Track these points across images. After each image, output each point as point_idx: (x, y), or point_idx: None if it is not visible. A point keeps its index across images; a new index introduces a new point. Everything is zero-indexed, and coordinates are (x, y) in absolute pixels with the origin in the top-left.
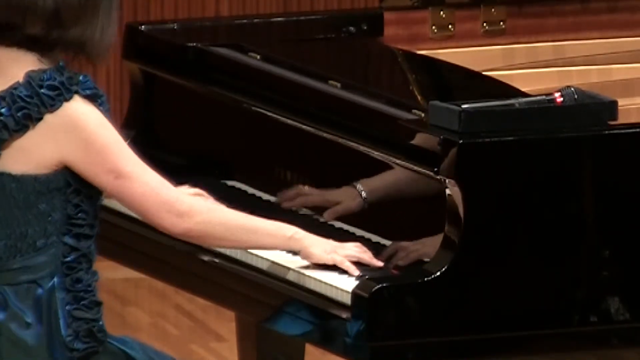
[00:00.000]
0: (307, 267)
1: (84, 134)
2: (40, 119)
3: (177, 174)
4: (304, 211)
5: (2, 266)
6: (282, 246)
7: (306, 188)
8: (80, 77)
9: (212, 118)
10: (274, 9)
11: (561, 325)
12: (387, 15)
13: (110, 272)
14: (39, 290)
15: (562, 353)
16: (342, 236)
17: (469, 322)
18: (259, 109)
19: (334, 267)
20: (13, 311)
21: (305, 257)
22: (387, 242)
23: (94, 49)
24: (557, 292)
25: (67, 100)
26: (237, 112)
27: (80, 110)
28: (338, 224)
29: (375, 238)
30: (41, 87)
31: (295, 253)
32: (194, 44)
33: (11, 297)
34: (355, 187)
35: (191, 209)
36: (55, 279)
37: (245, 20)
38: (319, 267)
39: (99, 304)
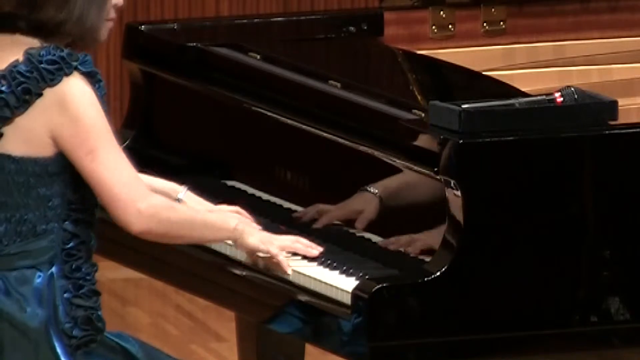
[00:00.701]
0: (307, 267)
1: (75, 111)
2: (40, 94)
3: (177, 174)
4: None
5: (2, 250)
6: (228, 237)
7: (322, 206)
8: (81, 55)
9: (212, 118)
10: (274, 9)
11: (561, 326)
12: (387, 15)
13: (110, 272)
14: (39, 276)
15: (562, 353)
16: (342, 235)
17: (469, 322)
18: (259, 109)
19: (334, 267)
20: (13, 296)
21: (241, 245)
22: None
23: (75, 31)
24: (558, 292)
25: (67, 74)
26: (237, 112)
27: (77, 87)
28: (352, 230)
29: (375, 238)
30: (40, 62)
31: (294, 254)
32: (194, 44)
33: (12, 282)
34: (367, 191)
35: (152, 209)
36: (55, 266)
37: (245, 20)
38: (319, 267)
39: (97, 293)
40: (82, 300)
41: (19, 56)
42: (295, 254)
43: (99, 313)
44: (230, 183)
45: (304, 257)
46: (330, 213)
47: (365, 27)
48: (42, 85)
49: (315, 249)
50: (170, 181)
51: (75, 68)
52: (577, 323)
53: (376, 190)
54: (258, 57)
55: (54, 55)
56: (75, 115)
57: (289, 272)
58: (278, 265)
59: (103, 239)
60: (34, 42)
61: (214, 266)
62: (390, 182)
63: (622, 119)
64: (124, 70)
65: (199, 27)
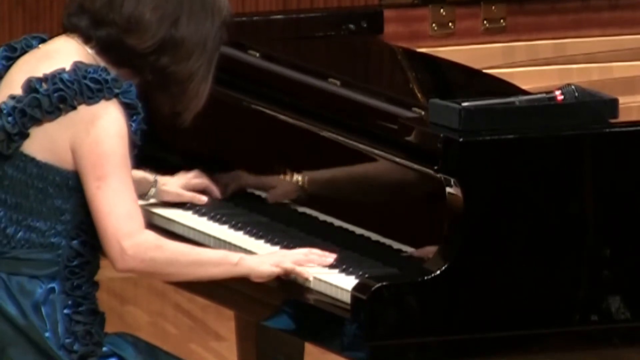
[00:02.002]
0: (307, 266)
1: (99, 134)
2: (73, 107)
3: (175, 172)
4: (303, 209)
5: (9, 252)
6: (230, 273)
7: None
8: (125, 84)
9: (211, 116)
10: (273, 7)
11: (562, 325)
12: (387, 13)
13: (109, 271)
14: (40, 288)
15: (562, 352)
16: (342, 234)
17: (469, 322)
18: (258, 107)
19: (333, 266)
20: (16, 301)
21: (256, 278)
22: (386, 241)
23: (186, 99)
24: (558, 291)
25: (106, 99)
26: (237, 110)
27: (111, 114)
28: (337, 223)
29: (374, 236)
30: (85, 77)
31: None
32: None
33: (14, 288)
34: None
35: (136, 248)
36: (56, 282)
37: (244, 18)
38: (318, 266)
39: (96, 312)
40: (82, 317)
41: (68, 65)
42: None
43: (98, 327)
44: None
45: None
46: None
47: (365, 25)
48: (79, 99)
49: (330, 257)
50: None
51: (116, 95)
52: (577, 322)
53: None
54: (257, 55)
55: (100, 75)
56: (97, 140)
57: (311, 278)
58: (298, 276)
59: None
60: (90, 58)
61: (200, 280)
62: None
63: (623, 117)
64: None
65: None
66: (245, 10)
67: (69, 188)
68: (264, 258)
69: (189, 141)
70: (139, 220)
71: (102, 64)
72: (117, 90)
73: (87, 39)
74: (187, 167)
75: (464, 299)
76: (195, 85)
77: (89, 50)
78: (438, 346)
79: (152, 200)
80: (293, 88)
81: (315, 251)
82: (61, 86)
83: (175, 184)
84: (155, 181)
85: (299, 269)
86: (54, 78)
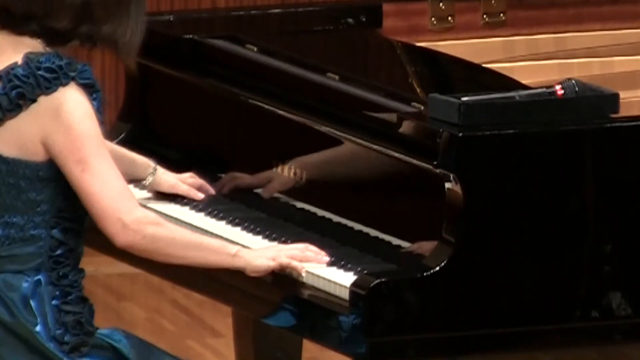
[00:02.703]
0: (304, 262)
1: (67, 119)
2: (33, 100)
3: (173, 168)
4: (301, 205)
5: None
6: (227, 263)
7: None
8: (79, 65)
9: (209, 111)
10: (271, 0)
11: (562, 321)
12: (386, 7)
13: (106, 267)
14: (25, 282)
15: (563, 349)
16: (340, 230)
17: (469, 318)
18: (256, 102)
19: (331, 262)
20: (3, 300)
21: (252, 271)
22: (385, 237)
23: (125, 47)
24: (558, 287)
25: (63, 85)
26: (234, 105)
27: (72, 97)
28: (336, 219)
29: (373, 232)
30: (39, 68)
31: None
32: (190, 36)
33: (0, 286)
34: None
35: (138, 223)
36: (42, 273)
37: (242, 12)
38: (313, 262)
39: (85, 300)
40: (71, 307)
41: (19, 58)
42: None
43: (88, 317)
44: None
45: None
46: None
47: (364, 19)
48: (37, 91)
49: (326, 256)
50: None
51: (73, 78)
52: (578, 318)
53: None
54: (255, 49)
55: (53, 63)
56: (68, 125)
57: (304, 273)
58: (292, 271)
59: (99, 233)
60: (36, 45)
61: (197, 266)
62: (398, 186)
63: (624, 111)
64: (120, 63)
65: (195, 18)
66: (243, 3)
67: (41, 179)
68: (261, 252)
69: (186, 136)
70: (133, 196)
71: (48, 48)
72: (72, 74)
73: (19, 33)
74: (184, 162)
75: (464, 295)
76: (131, 26)
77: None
78: (437, 343)
79: (146, 190)
80: (291, 83)
81: (312, 248)
82: (17, 82)
83: (172, 176)
84: (155, 169)
85: (294, 263)
86: (8, 75)
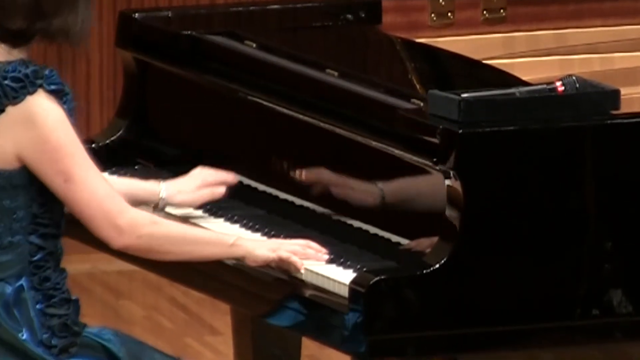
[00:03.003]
0: (303, 260)
1: (41, 130)
2: (2, 110)
3: (171, 164)
4: (300, 202)
5: None
6: (225, 254)
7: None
8: (46, 72)
9: (207, 107)
10: None
11: (563, 319)
12: (386, 3)
13: (103, 265)
14: (7, 289)
15: (563, 347)
16: (340, 227)
17: (469, 315)
18: (254, 98)
19: (331, 260)
20: None
21: (252, 261)
22: (385, 234)
23: (77, 36)
24: (559, 285)
25: (30, 93)
26: (233, 101)
27: (42, 106)
28: (335, 216)
29: (373, 229)
30: (5, 78)
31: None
32: (189, 32)
33: None
34: (374, 184)
35: (132, 225)
36: (24, 279)
37: (241, 8)
38: (313, 259)
39: (69, 301)
40: (55, 309)
41: None
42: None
43: (73, 318)
44: None
45: None
46: (330, 178)
47: (363, 15)
48: (5, 101)
49: (326, 255)
50: (164, 171)
51: (40, 86)
52: (578, 316)
53: (380, 185)
54: (254, 45)
55: (19, 72)
56: (42, 136)
57: (302, 270)
58: (291, 266)
59: None
60: (1, 51)
61: (196, 260)
62: (396, 180)
63: (625, 108)
64: (117, 59)
65: (193, 14)
66: (242, 0)
67: (14, 186)
68: (261, 243)
69: (184, 132)
70: (120, 197)
71: (14, 51)
72: (40, 81)
73: None
74: (182, 159)
75: (464, 293)
76: (80, 14)
77: None
78: (437, 340)
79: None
80: (290, 79)
81: (314, 245)
82: None
83: (189, 187)
84: (162, 199)
85: (293, 258)
86: None
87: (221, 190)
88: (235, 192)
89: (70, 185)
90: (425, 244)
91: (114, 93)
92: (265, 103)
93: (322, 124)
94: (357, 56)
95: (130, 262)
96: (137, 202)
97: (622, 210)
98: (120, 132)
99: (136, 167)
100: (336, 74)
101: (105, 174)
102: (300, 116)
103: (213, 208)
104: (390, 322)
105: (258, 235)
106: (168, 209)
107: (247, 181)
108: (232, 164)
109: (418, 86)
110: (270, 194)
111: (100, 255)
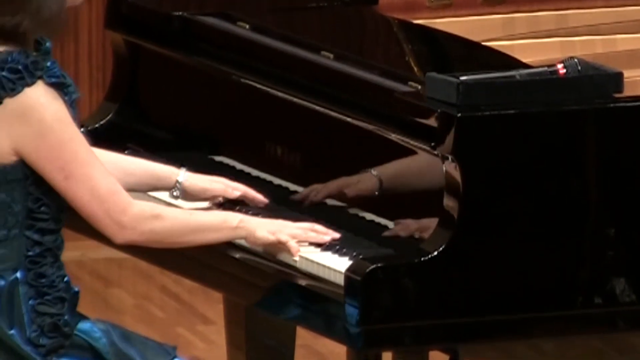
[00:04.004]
0: (299, 247)
1: (40, 125)
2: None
3: (162, 149)
4: (294, 188)
5: None
6: (229, 237)
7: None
8: (48, 63)
9: (199, 90)
10: None
11: (564, 308)
12: None
13: (92, 252)
14: (1, 283)
15: (565, 336)
16: (335, 213)
17: (468, 304)
18: (248, 81)
19: (326, 247)
20: None
21: (251, 242)
22: (382, 220)
23: (33, 27)
24: (560, 273)
25: (28, 85)
26: (225, 84)
27: (40, 100)
28: (331, 202)
29: (369, 216)
30: (2, 69)
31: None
32: (180, 13)
33: None
34: (368, 172)
35: (134, 221)
36: (19, 273)
37: None
38: (310, 246)
39: (63, 300)
40: (47, 307)
41: None
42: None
43: (66, 318)
44: (218, 158)
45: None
46: (326, 187)
47: None
48: (2, 94)
49: (329, 236)
50: (156, 156)
51: (40, 77)
52: (580, 305)
53: (376, 172)
54: (247, 26)
55: (18, 63)
56: (40, 132)
57: (297, 257)
58: (289, 249)
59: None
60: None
61: (201, 245)
62: (392, 166)
63: (628, 91)
64: (107, 40)
65: None
66: None
67: (9, 181)
68: (263, 224)
69: (176, 116)
70: (123, 191)
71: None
72: (39, 73)
73: None
74: (174, 144)
75: (462, 281)
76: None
77: None
78: (435, 330)
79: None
80: (284, 61)
81: (319, 228)
82: None
83: (201, 179)
84: (179, 182)
85: (292, 242)
86: None
87: (235, 193)
88: (228, 178)
89: (71, 182)
90: (413, 227)
91: (104, 75)
92: (258, 86)
93: (317, 108)
94: (353, 38)
95: (120, 249)
96: (153, 184)
97: (625, 196)
98: (110, 115)
99: (126, 152)
100: (331, 56)
101: (121, 155)
102: (295, 99)
103: None
104: (387, 311)
105: None
106: (155, 194)
107: (240, 166)
108: (225, 148)
109: (415, 69)
110: (264, 180)
111: (89, 242)
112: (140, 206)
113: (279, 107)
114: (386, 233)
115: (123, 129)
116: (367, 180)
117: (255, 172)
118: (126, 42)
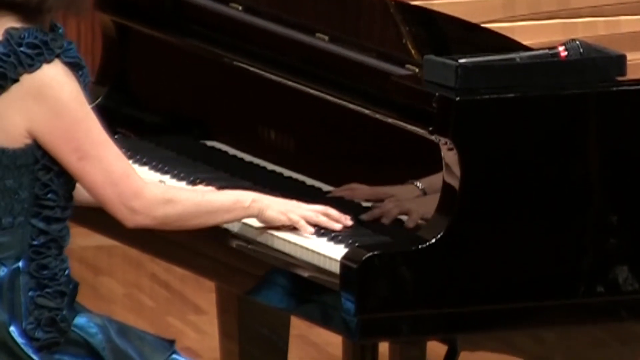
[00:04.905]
0: (293, 234)
1: (55, 105)
2: (16, 80)
3: (153, 134)
4: (289, 173)
5: None
6: (243, 217)
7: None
8: (65, 42)
9: (191, 73)
10: None
11: (565, 296)
12: None
13: (81, 240)
14: (2, 270)
15: (566, 326)
16: (331, 200)
17: (467, 293)
18: (240, 64)
19: (321, 234)
20: None
21: (262, 221)
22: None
23: (64, 6)
24: (561, 261)
25: (47, 61)
26: (218, 67)
27: (57, 78)
28: (326, 187)
29: (365, 202)
30: (20, 45)
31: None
32: None
33: None
34: (412, 184)
35: (146, 207)
36: (21, 262)
37: None
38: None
39: (63, 294)
40: (47, 300)
41: None
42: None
43: (64, 313)
44: (209, 143)
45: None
46: (366, 191)
47: None
48: (20, 70)
49: (343, 223)
50: (145, 141)
51: (57, 56)
52: (582, 294)
53: (421, 185)
54: (240, 7)
55: (36, 38)
56: (56, 110)
57: (309, 232)
58: (300, 229)
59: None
60: (15, 22)
61: (193, 233)
62: (437, 178)
63: (631, 74)
64: (96, 22)
65: None
66: None
67: (18, 166)
68: (275, 203)
69: (167, 100)
70: (137, 174)
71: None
72: (57, 50)
73: None
74: (165, 128)
75: (461, 269)
76: None
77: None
78: (433, 320)
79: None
80: (278, 43)
81: (332, 212)
82: None
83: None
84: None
85: (302, 223)
86: None
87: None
88: (220, 164)
89: (85, 163)
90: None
91: (92, 58)
92: (251, 69)
93: (311, 91)
94: (348, 19)
95: (110, 236)
96: None
97: (627, 182)
98: (99, 99)
99: (116, 137)
100: (326, 38)
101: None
102: (289, 83)
103: (197, 179)
104: (384, 300)
105: None
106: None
107: (232, 151)
108: (217, 133)
109: (413, 51)
110: (257, 165)
111: (78, 230)
112: (153, 191)
113: (273, 91)
114: (364, 216)
115: (112, 114)
116: (410, 193)
117: (248, 158)
118: (115, 24)
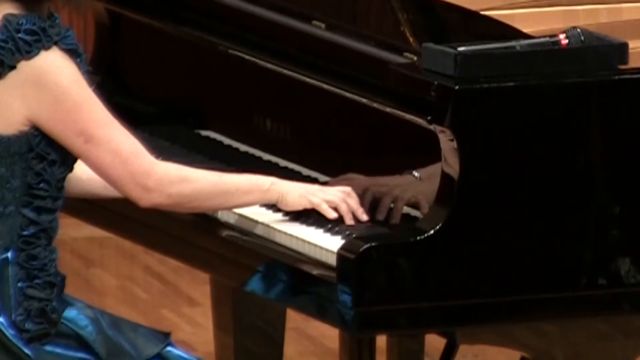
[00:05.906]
0: (289, 225)
1: (56, 90)
2: (13, 67)
3: (146, 123)
4: (285, 163)
5: None
6: (260, 201)
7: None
8: (63, 30)
9: (185, 62)
10: None
11: (567, 289)
12: None
13: (73, 231)
14: None
15: (567, 319)
16: None
17: (466, 285)
18: (236, 52)
19: (318, 225)
20: None
21: (282, 206)
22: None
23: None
24: (563, 253)
25: (45, 48)
26: (212, 55)
27: (56, 63)
28: (322, 178)
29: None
30: (18, 31)
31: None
32: None
33: None
34: (411, 174)
35: (161, 184)
36: (10, 253)
37: None
38: (301, 225)
39: (53, 285)
40: (36, 291)
41: None
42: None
43: (54, 304)
44: (204, 133)
45: (288, 214)
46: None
47: None
48: (17, 57)
49: (360, 217)
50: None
51: (55, 43)
52: (584, 286)
53: (418, 174)
54: None
55: (34, 24)
56: (57, 97)
57: (332, 217)
58: (323, 213)
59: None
60: (13, 9)
61: (187, 224)
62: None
63: (633, 62)
64: (88, 10)
65: None
66: None
67: (11, 154)
68: (295, 187)
69: (160, 89)
70: (146, 153)
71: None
72: (56, 37)
73: None
74: (158, 117)
75: (460, 261)
76: None
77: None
78: (432, 312)
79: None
80: (274, 31)
81: (350, 202)
82: None
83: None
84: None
85: (324, 206)
86: None
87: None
88: (215, 153)
89: (92, 146)
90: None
91: (84, 47)
92: (246, 57)
93: (308, 80)
94: (345, 6)
95: (102, 227)
96: None
97: (630, 172)
98: (92, 88)
99: None
100: (323, 25)
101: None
102: (285, 71)
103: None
104: (382, 292)
105: None
106: None
107: (227, 141)
108: (212, 122)
109: (411, 39)
110: (252, 155)
111: (70, 220)
112: (166, 168)
113: (268, 79)
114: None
115: (105, 103)
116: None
117: (243, 147)
118: (108, 11)
